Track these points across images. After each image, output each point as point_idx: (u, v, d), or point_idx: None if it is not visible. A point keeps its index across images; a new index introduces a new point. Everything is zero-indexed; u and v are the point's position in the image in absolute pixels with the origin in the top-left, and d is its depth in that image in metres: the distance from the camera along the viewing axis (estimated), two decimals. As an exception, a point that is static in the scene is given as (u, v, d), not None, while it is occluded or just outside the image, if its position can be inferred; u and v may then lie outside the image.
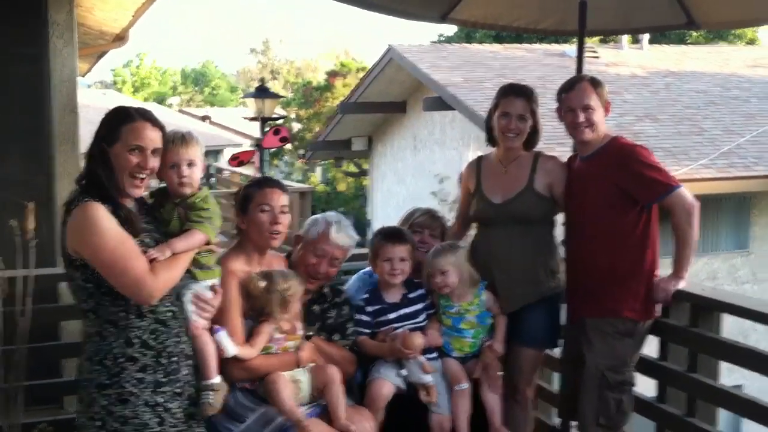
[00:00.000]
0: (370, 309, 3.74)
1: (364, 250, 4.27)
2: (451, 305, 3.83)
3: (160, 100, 54.51)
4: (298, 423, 3.18)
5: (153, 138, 2.83)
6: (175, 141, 2.96)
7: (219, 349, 3.10)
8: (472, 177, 4.08)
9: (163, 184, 3.03)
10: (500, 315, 3.88)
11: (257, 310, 3.33)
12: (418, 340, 3.64)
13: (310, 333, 3.53)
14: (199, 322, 3.02)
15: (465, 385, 3.73)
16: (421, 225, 4.07)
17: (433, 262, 3.79)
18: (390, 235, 3.79)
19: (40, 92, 5.58)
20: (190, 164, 2.98)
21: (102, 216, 2.70)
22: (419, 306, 3.80)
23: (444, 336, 3.81)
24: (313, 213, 3.72)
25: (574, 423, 4.08)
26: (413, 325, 3.74)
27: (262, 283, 3.29)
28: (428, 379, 3.65)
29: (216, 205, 3.04)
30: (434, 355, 3.76)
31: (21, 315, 3.85)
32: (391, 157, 18.55)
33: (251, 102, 14.40)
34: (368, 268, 4.08)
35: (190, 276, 2.98)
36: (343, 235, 3.60)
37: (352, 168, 24.47)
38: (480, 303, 3.84)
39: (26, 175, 5.41)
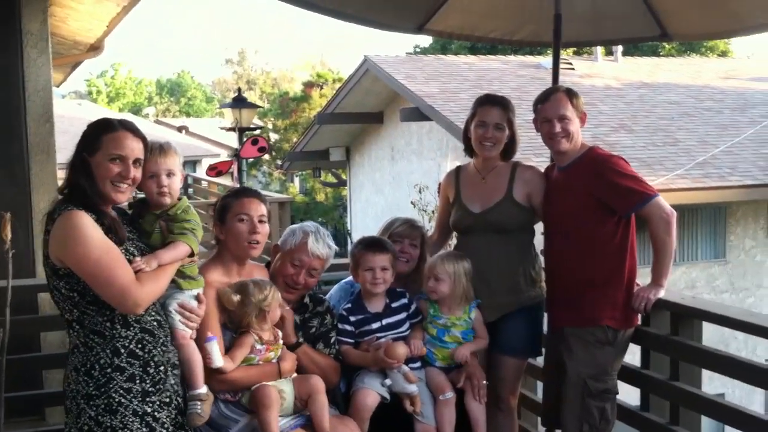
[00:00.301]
0: (353, 319, 3.73)
1: (345, 260, 4.26)
2: (439, 316, 3.83)
3: (136, 110, 54.29)
4: None
5: (134, 148, 2.82)
6: (153, 151, 2.96)
7: (206, 358, 3.08)
8: (451, 186, 4.10)
9: (142, 195, 3.02)
10: (484, 339, 3.88)
11: (235, 323, 3.31)
12: (401, 349, 3.63)
13: (301, 340, 3.51)
14: (186, 331, 3.01)
15: (450, 395, 3.73)
16: (401, 235, 4.06)
17: (430, 266, 3.82)
18: (371, 244, 3.78)
19: (15, 102, 5.52)
20: (169, 174, 2.97)
21: (86, 224, 2.68)
22: (402, 315, 3.79)
23: (427, 345, 3.81)
24: (293, 223, 3.70)
25: (558, 431, 4.08)
26: (396, 335, 3.74)
27: (236, 297, 3.26)
28: (412, 388, 3.64)
29: (197, 216, 3.04)
30: (418, 364, 3.76)
31: (0, 326, 3.79)
32: (369, 168, 18.57)
33: (228, 112, 14.37)
34: (349, 278, 4.07)
35: (174, 286, 2.97)
36: (321, 245, 3.58)
37: (331, 178, 24.45)
38: (468, 320, 3.84)
39: (1, 185, 5.34)
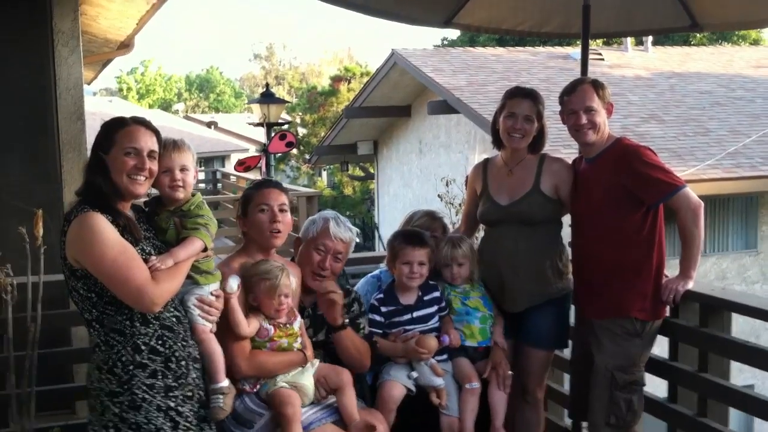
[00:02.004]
0: (384, 309, 3.75)
1: (372, 254, 4.27)
2: (456, 286, 3.90)
3: (166, 106, 54.75)
4: None
5: (147, 140, 2.86)
6: (167, 147, 3.00)
7: (224, 285, 3.11)
8: (478, 179, 4.09)
9: (157, 192, 3.06)
10: (499, 315, 3.93)
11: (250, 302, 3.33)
12: (433, 342, 3.66)
13: (347, 321, 3.54)
14: (206, 325, 3.04)
15: (476, 385, 3.75)
16: (422, 226, 4.08)
17: (453, 253, 3.86)
18: (411, 237, 3.81)
19: (46, 100, 5.61)
20: (183, 169, 3.01)
21: (102, 225, 2.71)
22: (433, 309, 3.81)
23: (455, 324, 3.83)
24: (316, 216, 3.74)
25: (585, 423, 4.07)
26: (425, 328, 3.75)
27: (252, 266, 3.30)
28: (439, 382, 3.66)
29: (209, 211, 3.06)
30: (444, 356, 3.77)
31: (32, 321, 3.86)
32: (396, 161, 18.57)
33: (257, 107, 14.43)
34: (376, 272, 4.09)
35: (191, 281, 3.00)
36: (342, 229, 3.63)
37: (358, 172, 24.49)
38: (480, 288, 3.92)
39: (34, 182, 5.44)
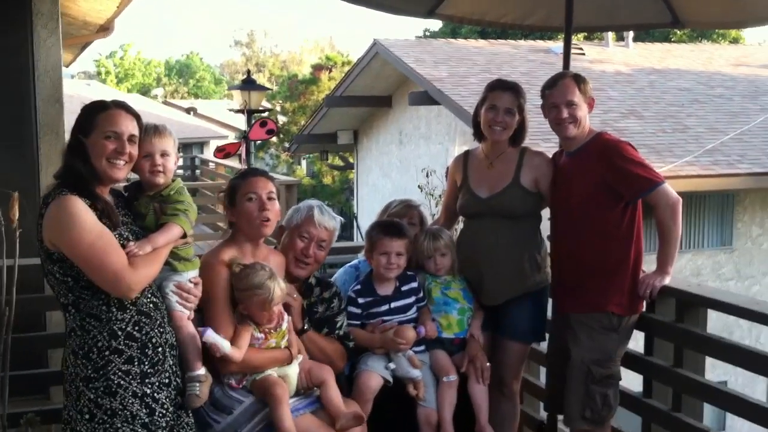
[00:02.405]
0: (361, 301, 3.75)
1: (351, 243, 4.26)
2: (437, 276, 3.92)
3: (144, 91, 54.29)
4: None
5: (128, 125, 2.84)
6: (148, 131, 2.98)
7: (213, 348, 3.07)
8: (459, 170, 4.10)
9: (137, 178, 3.03)
10: (479, 309, 3.95)
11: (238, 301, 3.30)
12: (411, 333, 3.67)
13: (307, 327, 3.53)
14: (183, 312, 3.03)
15: (453, 377, 3.76)
16: (398, 215, 4.09)
17: (435, 245, 3.88)
18: (388, 228, 3.80)
19: (25, 83, 5.54)
20: (164, 154, 2.99)
21: (80, 209, 2.69)
22: (411, 299, 3.81)
23: (433, 314, 3.84)
24: (298, 205, 3.74)
25: (560, 417, 4.10)
26: (403, 319, 3.75)
27: (240, 270, 3.25)
28: (416, 373, 3.67)
29: (190, 197, 3.04)
30: (422, 348, 3.77)
31: (6, 305, 3.82)
32: (376, 151, 18.55)
33: (237, 94, 14.35)
34: (354, 262, 4.09)
35: (170, 268, 2.98)
36: (327, 217, 3.64)
37: (338, 161, 24.43)
38: (462, 281, 3.93)
39: (10, 165, 5.36)
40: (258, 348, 3.26)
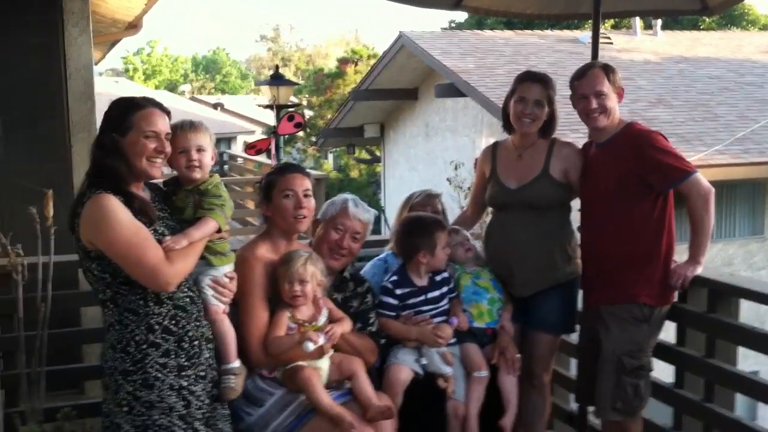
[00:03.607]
0: (399, 292, 3.74)
1: (378, 237, 4.28)
2: (467, 266, 3.95)
3: (172, 87, 54.66)
4: (338, 418, 3.15)
5: (165, 123, 2.89)
6: (184, 127, 3.02)
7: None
8: (487, 162, 4.09)
9: (175, 173, 3.07)
10: (509, 301, 3.95)
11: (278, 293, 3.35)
12: (449, 330, 3.69)
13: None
14: (219, 306, 3.06)
15: (484, 373, 3.76)
16: (421, 204, 4.11)
17: (461, 234, 4.00)
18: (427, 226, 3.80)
19: (56, 81, 5.62)
20: (199, 150, 3.02)
21: (115, 207, 2.73)
22: (444, 290, 3.81)
23: (464, 304, 3.85)
24: (327, 199, 3.75)
25: (591, 408, 4.09)
26: (437, 310, 3.76)
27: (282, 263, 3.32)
28: (448, 370, 3.67)
29: (227, 193, 3.08)
30: (453, 340, 3.78)
31: (42, 301, 3.88)
32: (403, 144, 18.54)
33: (266, 89, 14.39)
34: (383, 255, 4.09)
35: (206, 263, 3.02)
36: (361, 210, 3.67)
37: (365, 155, 24.44)
38: (490, 271, 3.95)
39: (43, 163, 5.45)
40: (278, 337, 3.29)
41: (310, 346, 3.21)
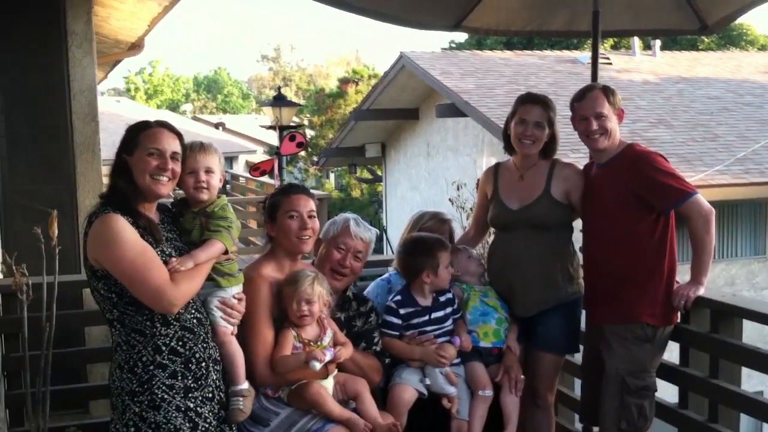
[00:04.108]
0: (402, 312, 3.75)
1: (381, 257, 4.28)
2: (475, 285, 3.98)
3: (173, 107, 54.84)
4: (351, 422, 3.24)
5: (170, 142, 2.91)
6: (194, 148, 3.04)
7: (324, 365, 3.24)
8: (489, 183, 4.11)
9: (183, 194, 3.09)
10: (514, 323, 3.96)
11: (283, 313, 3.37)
12: (452, 351, 3.70)
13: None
14: (228, 328, 3.07)
15: (489, 392, 3.76)
16: (431, 230, 4.10)
17: (468, 249, 4.07)
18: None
19: (60, 102, 5.66)
20: (208, 171, 3.04)
21: (122, 227, 2.75)
22: (448, 310, 3.82)
23: (470, 325, 3.86)
24: (329, 219, 3.78)
25: (596, 429, 4.08)
26: (440, 330, 3.77)
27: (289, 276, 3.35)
28: (452, 390, 3.68)
29: (233, 214, 3.09)
30: (458, 360, 3.78)
31: (46, 321, 3.89)
32: (404, 164, 18.58)
33: (269, 110, 14.46)
34: (386, 275, 4.10)
35: (214, 284, 3.03)
36: (362, 229, 3.69)
37: (366, 174, 24.47)
38: (495, 292, 3.96)
39: (48, 183, 5.48)
40: (284, 356, 3.30)
41: (317, 365, 3.22)
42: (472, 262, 4.02)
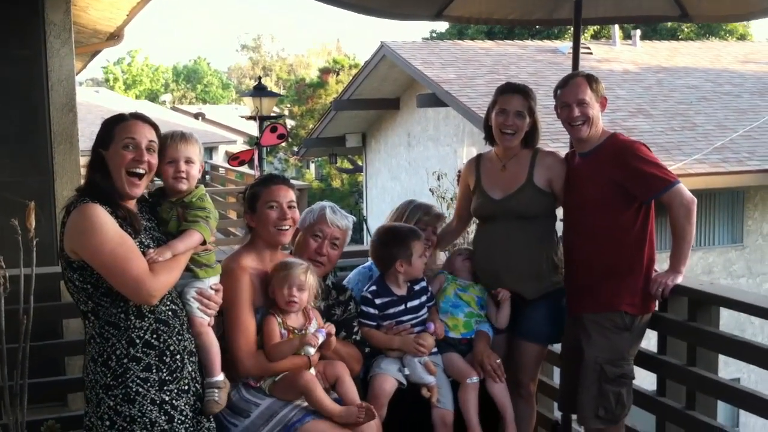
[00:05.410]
0: (378, 301, 3.77)
1: (361, 247, 4.28)
2: (460, 278, 4.00)
3: (153, 97, 54.47)
4: (344, 413, 3.27)
5: (145, 133, 2.88)
6: (175, 138, 3.03)
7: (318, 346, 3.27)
8: (471, 173, 4.11)
9: (161, 184, 3.07)
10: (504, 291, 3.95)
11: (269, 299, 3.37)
12: (431, 340, 3.71)
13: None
14: (204, 319, 3.06)
15: (476, 379, 3.78)
16: (427, 223, 4.11)
17: (464, 251, 4.12)
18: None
19: (38, 92, 5.61)
20: (188, 161, 3.02)
21: (101, 216, 2.72)
22: (423, 299, 3.84)
23: (441, 314, 3.90)
24: (308, 209, 3.79)
25: (574, 416, 4.11)
26: (417, 319, 3.79)
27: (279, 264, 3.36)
28: (430, 379, 3.69)
29: (212, 204, 3.08)
30: (435, 350, 3.79)
31: (24, 313, 3.86)
32: (385, 154, 18.59)
33: (249, 101, 14.38)
34: (368, 263, 4.11)
35: (191, 275, 3.01)
36: (339, 216, 3.70)
37: (347, 164, 24.46)
38: (482, 290, 3.98)
39: (25, 174, 5.43)
40: (278, 344, 3.31)
41: (311, 350, 3.24)
42: (467, 263, 4.04)
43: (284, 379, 3.29)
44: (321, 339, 3.30)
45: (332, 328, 3.42)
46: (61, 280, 2.93)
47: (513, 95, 3.92)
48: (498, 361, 3.85)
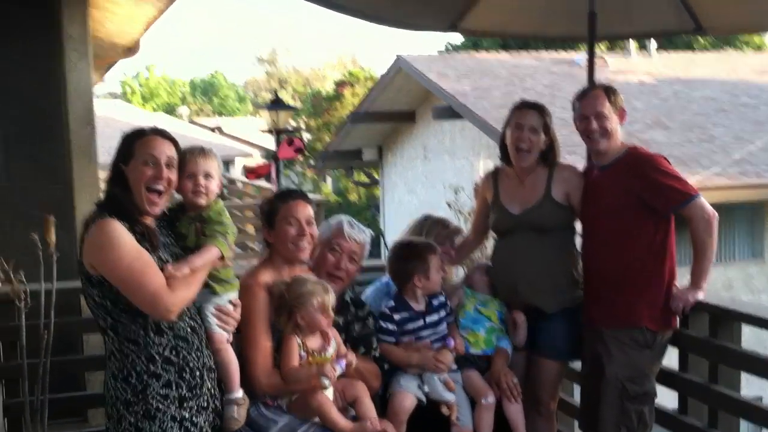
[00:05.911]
0: (397, 317, 3.73)
1: (378, 262, 4.27)
2: (479, 294, 3.98)
3: (170, 110, 54.70)
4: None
5: (164, 149, 2.89)
6: (194, 152, 3.04)
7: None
8: (489, 188, 4.09)
9: (180, 198, 3.07)
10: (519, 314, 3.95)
11: (282, 321, 3.33)
12: (450, 357, 3.68)
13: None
14: (223, 335, 3.05)
15: (491, 399, 3.74)
16: (447, 237, 4.12)
17: (483, 266, 4.09)
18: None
19: (57, 106, 5.62)
20: (207, 176, 3.03)
21: (119, 232, 2.73)
22: (442, 314, 3.81)
23: (461, 330, 3.86)
24: (325, 223, 3.77)
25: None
26: (436, 335, 3.76)
27: (284, 287, 3.31)
28: (450, 396, 3.66)
29: (230, 219, 3.08)
30: (455, 368, 3.77)
31: (44, 328, 3.87)
32: (401, 167, 18.58)
33: (265, 114, 14.44)
34: (385, 279, 4.09)
35: (209, 290, 3.01)
36: (356, 230, 3.66)
37: (363, 178, 24.45)
38: (501, 305, 3.96)
39: (44, 188, 5.44)
40: (295, 369, 3.27)
41: (327, 383, 3.20)
42: (485, 278, 4.03)
43: (300, 399, 3.27)
44: (339, 372, 3.26)
45: (352, 357, 3.37)
46: (81, 294, 2.94)
47: (528, 111, 3.91)
48: (515, 380, 3.82)
